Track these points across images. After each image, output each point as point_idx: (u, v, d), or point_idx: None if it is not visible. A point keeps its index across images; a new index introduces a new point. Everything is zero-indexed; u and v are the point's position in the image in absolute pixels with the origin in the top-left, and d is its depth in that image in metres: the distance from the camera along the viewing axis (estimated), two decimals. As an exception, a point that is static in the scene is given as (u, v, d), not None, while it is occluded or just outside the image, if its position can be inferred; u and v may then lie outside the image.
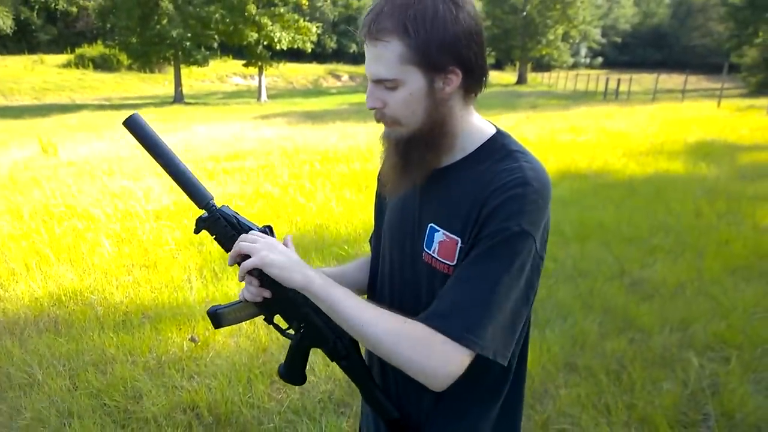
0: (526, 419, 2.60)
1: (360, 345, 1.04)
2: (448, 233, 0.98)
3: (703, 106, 19.36)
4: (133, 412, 2.69)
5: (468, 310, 0.89)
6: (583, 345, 3.24)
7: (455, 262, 0.97)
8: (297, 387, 2.87)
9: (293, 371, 1.13)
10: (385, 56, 0.93)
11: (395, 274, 1.12)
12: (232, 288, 4.05)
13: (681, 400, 2.72)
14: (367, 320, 0.93)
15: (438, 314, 0.92)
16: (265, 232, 1.02)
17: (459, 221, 0.96)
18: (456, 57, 0.93)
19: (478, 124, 1.04)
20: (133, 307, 3.81)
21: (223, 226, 1.02)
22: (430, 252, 1.01)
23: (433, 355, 0.90)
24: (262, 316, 1.07)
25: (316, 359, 3.08)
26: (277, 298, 1.02)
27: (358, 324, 0.93)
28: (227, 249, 1.02)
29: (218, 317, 1.10)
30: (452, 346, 0.89)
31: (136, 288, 4.11)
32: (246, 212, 6.01)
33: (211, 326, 3.45)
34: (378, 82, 0.96)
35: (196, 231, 1.04)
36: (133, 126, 1.03)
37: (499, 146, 1.00)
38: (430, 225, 1.02)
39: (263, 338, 3.36)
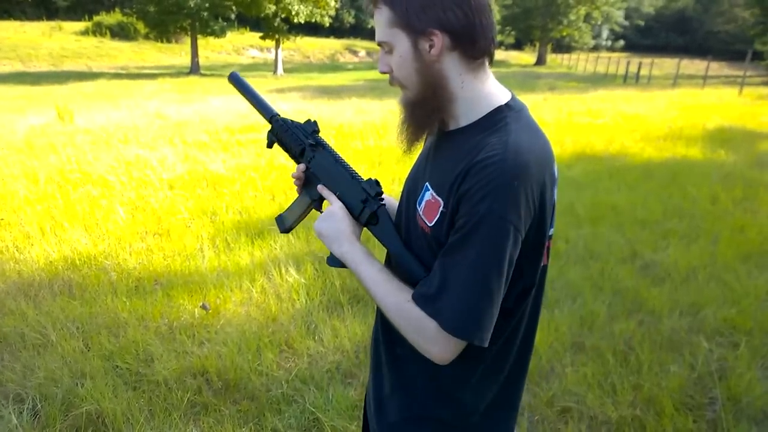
0: (532, 396, 2.62)
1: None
2: (435, 194, 1.02)
3: (724, 93, 18.97)
4: (145, 375, 2.74)
5: (455, 300, 0.94)
6: (591, 325, 3.24)
7: (433, 223, 1.01)
8: (305, 356, 2.91)
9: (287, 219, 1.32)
10: (380, 21, 1.01)
11: (401, 227, 1.14)
12: (245, 258, 4.09)
13: (688, 383, 2.72)
14: (380, 295, 1.04)
15: (430, 299, 0.97)
16: (315, 130, 1.22)
17: (446, 186, 0.99)
18: (435, 19, 0.96)
19: (488, 90, 1.03)
20: (145, 274, 3.86)
21: (285, 131, 1.24)
22: (419, 209, 1.06)
23: (429, 340, 0.97)
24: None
25: (325, 330, 3.11)
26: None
27: (374, 297, 1.05)
28: (290, 152, 1.25)
29: (281, 219, 1.32)
30: (444, 335, 0.95)
31: (149, 255, 4.16)
32: (260, 184, 6.04)
33: (222, 295, 3.51)
34: (380, 47, 1.04)
35: (269, 145, 1.28)
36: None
37: (500, 117, 1.00)
38: (425, 183, 1.07)
39: (273, 308, 3.39)
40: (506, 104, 1.02)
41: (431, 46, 0.98)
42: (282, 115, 1.27)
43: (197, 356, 2.88)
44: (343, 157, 1.20)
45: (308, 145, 1.20)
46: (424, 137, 1.10)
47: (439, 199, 1.00)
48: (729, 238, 4.64)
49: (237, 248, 4.26)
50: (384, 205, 1.13)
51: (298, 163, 1.23)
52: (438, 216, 1.00)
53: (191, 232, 4.59)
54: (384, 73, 1.06)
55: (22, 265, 3.96)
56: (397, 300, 1.01)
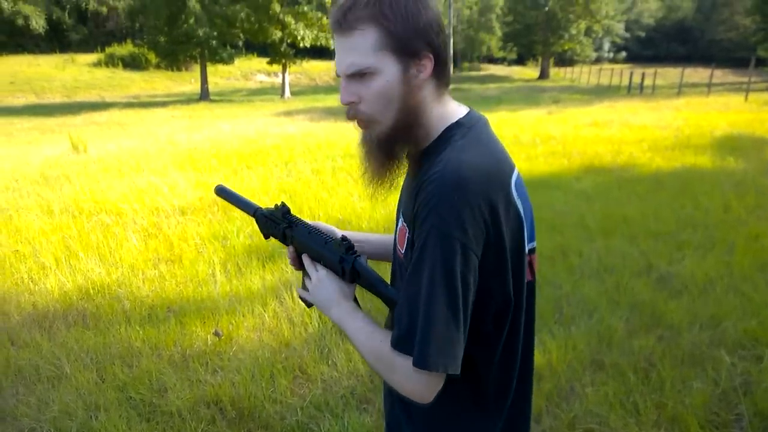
0: (553, 418, 2.56)
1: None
2: (403, 222, 1.03)
3: (730, 100, 18.88)
4: (158, 406, 2.72)
5: (414, 332, 0.90)
6: (609, 342, 3.19)
7: (404, 250, 1.01)
8: (319, 381, 2.87)
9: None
10: (360, 45, 0.93)
11: (396, 263, 1.14)
12: (256, 282, 4.08)
13: (712, 399, 2.65)
14: (359, 344, 1.02)
15: (394, 338, 0.94)
16: (286, 211, 1.26)
17: (409, 211, 0.98)
18: (429, 43, 0.95)
19: (445, 111, 1.02)
20: (158, 301, 3.86)
21: (264, 223, 1.32)
22: (396, 240, 1.07)
23: (404, 380, 0.93)
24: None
25: (339, 354, 3.08)
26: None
27: (357, 348, 1.04)
28: (277, 238, 1.30)
29: (304, 300, 1.26)
30: (412, 373, 0.91)
31: (161, 282, 4.17)
32: (265, 207, 6.03)
33: (234, 321, 3.50)
34: (352, 75, 0.96)
35: (265, 237, 1.35)
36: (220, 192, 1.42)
37: (449, 136, 0.99)
38: (399, 213, 1.08)
39: (286, 333, 3.37)
40: (456, 122, 1.00)
41: (419, 70, 0.96)
42: (264, 207, 1.34)
43: (210, 385, 2.85)
44: (315, 225, 1.24)
45: (284, 228, 1.25)
46: (397, 174, 1.05)
47: (406, 225, 1.00)
48: (745, 248, 4.57)
49: (248, 272, 4.26)
50: (358, 255, 1.10)
51: (286, 245, 1.27)
52: (406, 243, 0.99)
53: (203, 258, 4.60)
54: (349, 103, 0.98)
55: (37, 297, 3.98)
56: (371, 344, 0.98)
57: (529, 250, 1.03)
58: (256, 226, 5.21)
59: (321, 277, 1.13)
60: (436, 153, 0.97)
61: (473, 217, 0.88)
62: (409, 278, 0.92)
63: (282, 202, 1.28)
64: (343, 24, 0.93)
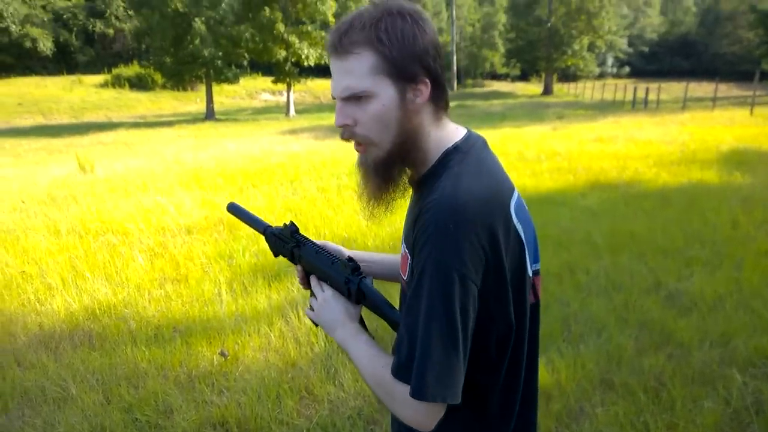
0: (562, 438, 2.53)
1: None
2: (405, 249, 1.02)
3: (735, 114, 18.88)
4: (164, 428, 2.70)
5: (412, 362, 0.89)
6: (619, 361, 3.15)
7: (407, 277, 1.00)
8: (326, 402, 2.85)
9: None
10: (356, 68, 0.93)
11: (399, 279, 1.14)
12: (262, 301, 4.07)
13: (724, 418, 2.61)
14: (360, 367, 1.01)
15: (394, 366, 0.93)
16: (294, 230, 1.26)
17: (410, 238, 0.98)
18: (426, 67, 0.95)
19: (443, 135, 1.02)
20: (164, 321, 3.86)
21: (274, 242, 1.33)
22: (399, 266, 1.07)
23: (404, 409, 0.92)
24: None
25: (345, 374, 3.06)
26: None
27: (359, 369, 1.02)
28: (286, 257, 1.30)
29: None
30: (411, 402, 0.90)
31: (167, 302, 4.17)
32: (274, 225, 6.05)
33: (240, 340, 3.49)
34: (347, 98, 0.96)
35: (275, 255, 1.37)
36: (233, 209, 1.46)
37: (446, 162, 0.98)
38: (403, 240, 1.07)
39: (292, 353, 3.36)
40: (454, 146, 1.00)
41: (416, 95, 0.96)
42: (273, 224, 1.35)
43: (217, 406, 2.84)
44: (322, 245, 1.24)
45: (292, 247, 1.25)
46: (395, 197, 1.04)
47: (408, 253, 1.00)
48: (753, 263, 4.53)
49: (254, 291, 4.26)
50: (364, 277, 1.10)
51: (295, 264, 1.28)
52: (408, 270, 0.99)
53: (209, 277, 4.60)
54: (343, 125, 0.98)
55: (43, 317, 3.98)
56: (373, 368, 0.98)
57: (533, 272, 1.02)
58: (262, 244, 5.20)
59: (327, 297, 1.13)
60: (434, 179, 0.97)
61: (471, 245, 0.88)
62: (408, 307, 0.92)
63: (291, 221, 1.28)
64: (339, 47, 0.94)
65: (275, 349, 3.43)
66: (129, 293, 4.34)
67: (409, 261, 0.98)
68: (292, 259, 1.27)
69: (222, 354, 3.37)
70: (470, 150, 1.00)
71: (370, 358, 1.00)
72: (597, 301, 3.94)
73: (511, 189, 1.00)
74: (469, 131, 1.04)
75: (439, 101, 0.99)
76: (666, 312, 3.76)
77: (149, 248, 5.41)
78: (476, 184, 0.93)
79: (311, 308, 1.18)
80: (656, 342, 3.36)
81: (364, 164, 1.02)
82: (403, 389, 0.90)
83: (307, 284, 1.25)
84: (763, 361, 3.12)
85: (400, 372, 0.91)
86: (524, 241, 0.98)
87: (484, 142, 1.04)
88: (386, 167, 0.99)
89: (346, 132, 0.99)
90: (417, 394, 0.88)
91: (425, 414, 0.90)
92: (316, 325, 1.19)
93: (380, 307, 1.08)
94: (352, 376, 3.05)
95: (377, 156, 0.99)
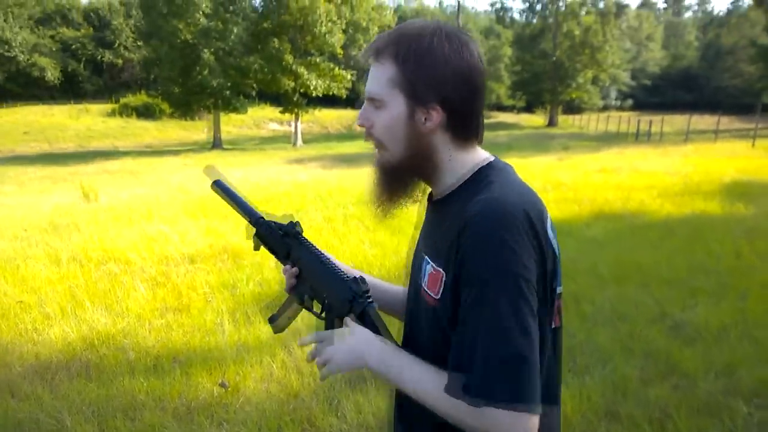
0: (567, 473, 2.47)
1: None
2: (434, 266, 0.99)
3: (737, 146, 18.97)
4: (162, 459, 2.65)
5: (498, 377, 0.85)
6: (624, 392, 3.10)
7: (439, 295, 0.96)
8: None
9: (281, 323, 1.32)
10: (379, 76, 0.99)
11: (408, 306, 1.12)
12: (264, 332, 4.03)
13: (733, 453, 2.55)
14: (422, 392, 0.94)
15: (475, 385, 0.86)
16: (298, 229, 1.21)
17: (443, 254, 0.96)
18: (440, 95, 0.96)
19: (476, 156, 1.03)
20: (164, 351, 3.82)
21: (268, 234, 1.25)
22: (423, 284, 1.02)
23: (499, 426, 0.85)
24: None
25: (348, 405, 3.01)
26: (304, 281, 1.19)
27: (420, 395, 0.94)
28: (275, 254, 1.24)
29: (272, 320, 1.29)
30: (506, 414, 0.84)
31: (168, 332, 4.13)
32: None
33: (241, 371, 3.44)
34: (369, 100, 1.01)
35: (255, 248, 1.28)
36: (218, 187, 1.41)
37: (483, 176, 0.99)
38: (424, 257, 1.04)
39: (294, 384, 3.31)
40: (488, 164, 1.02)
41: (426, 119, 0.97)
42: (266, 218, 1.28)
43: (216, 438, 2.79)
44: (327, 255, 1.18)
45: (293, 246, 1.19)
46: (402, 203, 1.07)
47: (440, 269, 0.97)
48: (758, 294, 4.49)
49: (257, 321, 4.22)
50: (372, 302, 1.07)
51: (283, 264, 1.22)
52: (442, 287, 0.96)
53: (211, 307, 4.57)
54: (362, 126, 1.03)
55: (39, 347, 3.94)
56: (440, 390, 0.91)
57: (558, 294, 1.01)
58: (266, 273, 5.16)
59: (347, 322, 1.07)
60: (472, 193, 0.96)
61: (526, 250, 0.88)
62: (469, 323, 0.88)
63: (297, 220, 1.22)
64: (373, 53, 1.00)
65: (277, 380, 3.39)
66: (129, 323, 4.31)
67: (443, 278, 0.95)
68: (285, 257, 1.20)
69: (222, 385, 3.33)
70: (504, 168, 1.02)
71: (435, 378, 0.92)
72: (602, 332, 3.89)
73: (545, 207, 1.00)
74: (496, 157, 1.06)
75: (459, 130, 0.99)
76: (671, 342, 3.71)
77: (151, 277, 5.40)
78: (520, 194, 0.95)
79: (316, 351, 1.08)
80: (661, 372, 3.31)
81: (376, 164, 1.06)
82: (493, 409, 0.84)
83: (292, 288, 1.20)
84: (767, 392, 3.07)
85: (483, 390, 0.85)
86: (558, 258, 0.98)
87: (513, 168, 1.06)
88: (395, 173, 1.03)
89: (366, 132, 1.03)
90: (520, 403, 0.83)
91: (525, 426, 0.84)
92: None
93: (381, 336, 1.05)
94: (354, 407, 3.01)
95: (388, 161, 1.03)
